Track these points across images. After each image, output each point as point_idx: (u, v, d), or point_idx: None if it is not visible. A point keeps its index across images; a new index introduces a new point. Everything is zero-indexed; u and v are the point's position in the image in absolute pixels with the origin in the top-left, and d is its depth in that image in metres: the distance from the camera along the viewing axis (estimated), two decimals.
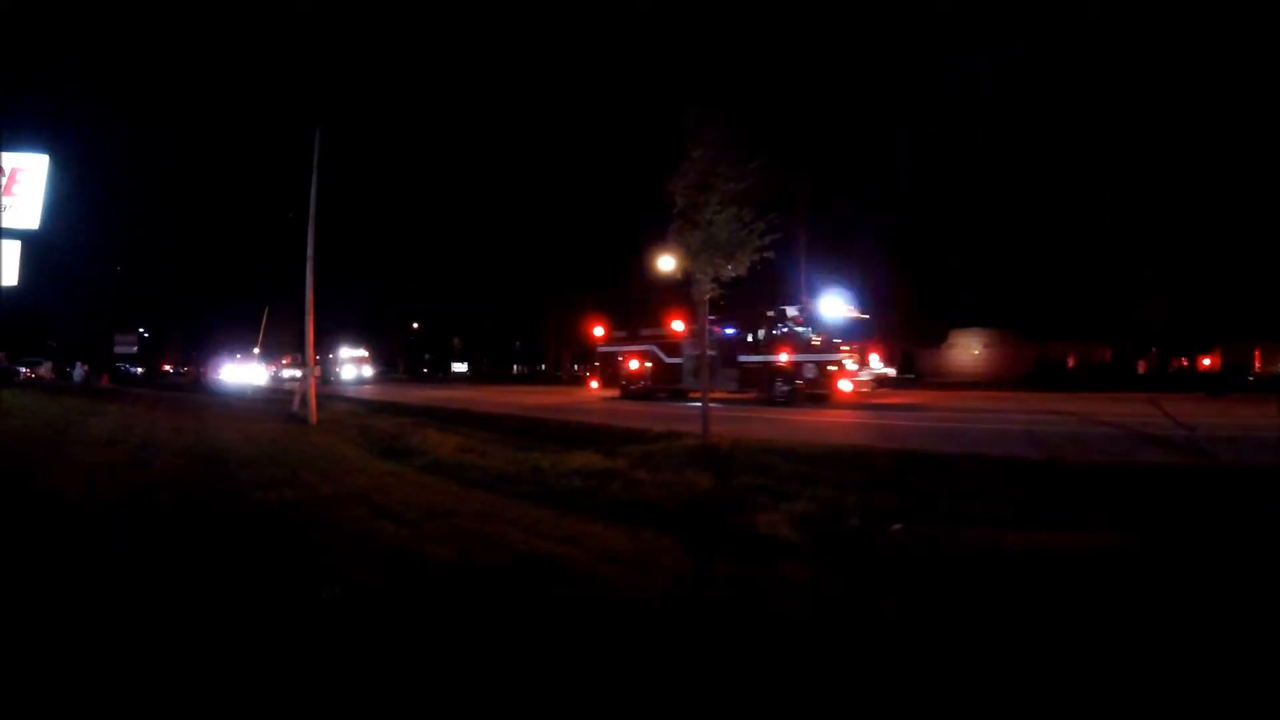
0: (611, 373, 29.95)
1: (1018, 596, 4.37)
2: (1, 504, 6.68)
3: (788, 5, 55.45)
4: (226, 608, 4.11)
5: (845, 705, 3.07)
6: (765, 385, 23.37)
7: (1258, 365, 39.60)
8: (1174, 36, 34.66)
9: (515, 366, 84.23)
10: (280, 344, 49.58)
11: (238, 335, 65.40)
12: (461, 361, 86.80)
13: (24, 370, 41.75)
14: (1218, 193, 30.64)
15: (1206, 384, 27.44)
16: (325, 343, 57.99)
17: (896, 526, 6.01)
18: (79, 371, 46.05)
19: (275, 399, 29.26)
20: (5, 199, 13.52)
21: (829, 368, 21.90)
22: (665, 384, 27.19)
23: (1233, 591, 4.33)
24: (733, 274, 10.99)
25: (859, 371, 22.29)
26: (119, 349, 50.15)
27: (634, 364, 28.68)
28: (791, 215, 35.31)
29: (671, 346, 27.11)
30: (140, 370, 74.01)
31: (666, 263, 12.40)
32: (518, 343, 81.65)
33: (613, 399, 27.75)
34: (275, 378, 53.27)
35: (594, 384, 31.60)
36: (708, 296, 11.27)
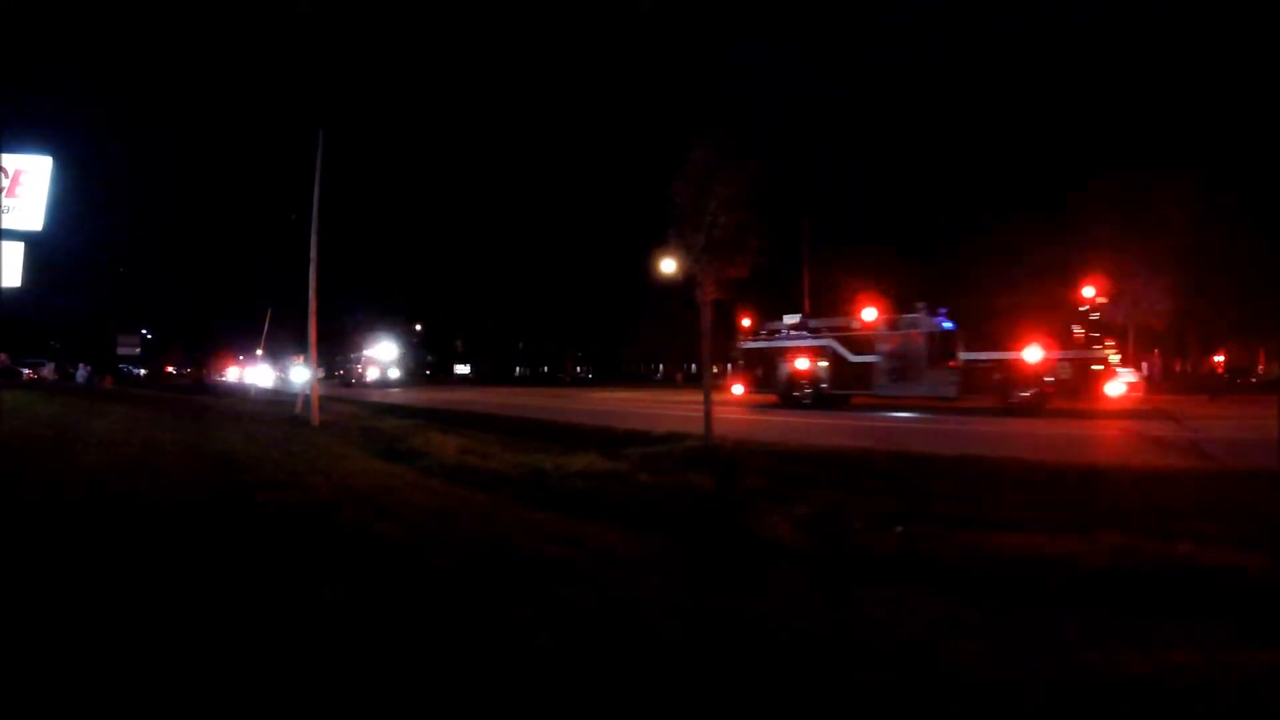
0: (766, 375, 23.81)
1: (1016, 599, 4.36)
2: (3, 506, 6.68)
3: (789, 5, 55.55)
4: (228, 607, 4.11)
5: (839, 708, 3.07)
6: (999, 389, 18.54)
7: (1260, 367, 39.57)
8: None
9: (517, 369, 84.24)
10: (285, 346, 49.39)
11: (241, 337, 65.46)
12: (464, 364, 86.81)
13: (26, 371, 41.76)
14: (1214, 193, 30.46)
15: (1209, 386, 27.42)
16: (350, 343, 57.20)
17: (898, 529, 6.01)
18: (82, 373, 46.09)
19: (279, 400, 29.27)
20: (8, 200, 13.54)
21: (1092, 366, 17.39)
22: (848, 389, 21.77)
23: (1236, 596, 4.32)
24: (735, 275, 11.00)
25: (1121, 371, 18.17)
26: (122, 350, 50.24)
27: (802, 363, 22.67)
28: (795, 216, 35.46)
29: (858, 341, 21.48)
30: (143, 372, 74.05)
31: (669, 265, 12.41)
32: (520, 344, 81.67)
33: (770, 408, 22.03)
34: (282, 379, 52.83)
35: (737, 388, 24.83)
36: (711, 298, 11.28)
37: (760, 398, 23.72)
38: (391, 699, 3.06)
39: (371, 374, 52.84)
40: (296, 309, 22.06)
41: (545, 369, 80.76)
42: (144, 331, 65.72)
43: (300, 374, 24.32)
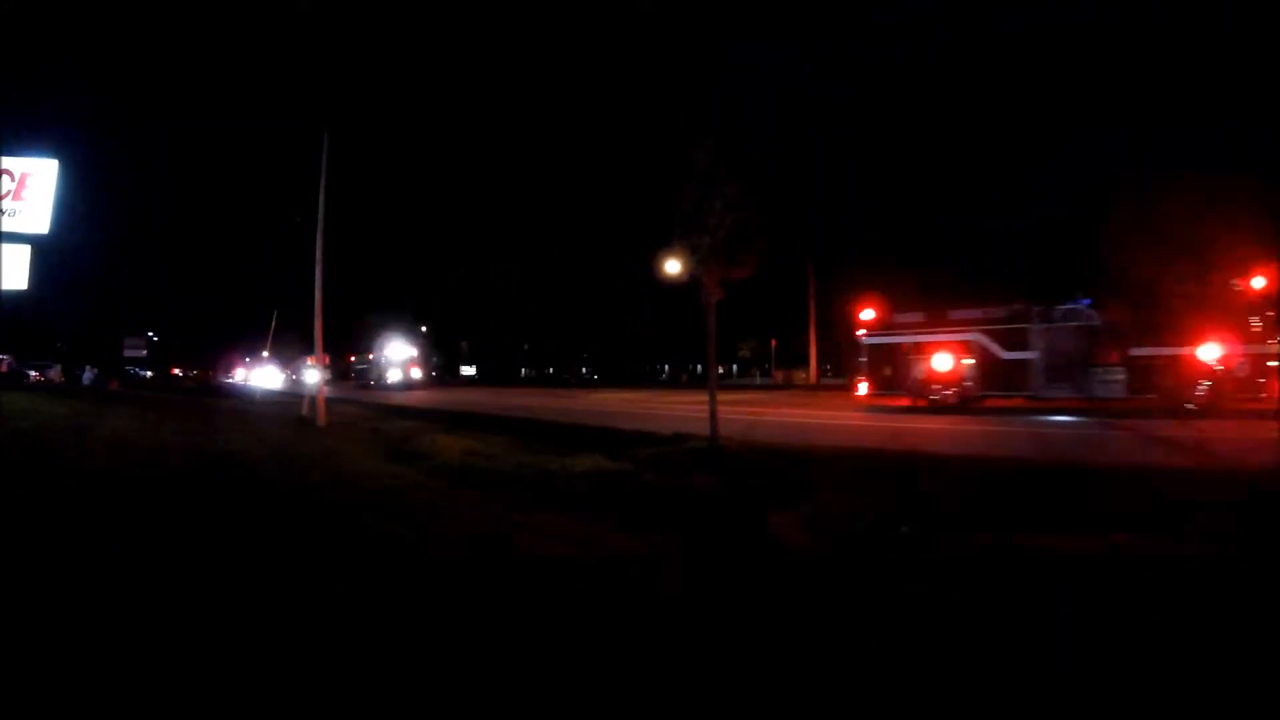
0: (896, 374, 20.89)
1: (1020, 600, 4.34)
2: (11, 506, 6.70)
3: (789, 5, 55.49)
4: (233, 609, 4.11)
5: (842, 710, 3.06)
6: (1170, 389, 16.26)
7: None
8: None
9: (522, 370, 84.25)
10: (294, 348, 48.60)
11: (247, 338, 65.54)
12: (469, 365, 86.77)
13: (33, 374, 41.96)
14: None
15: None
16: (368, 344, 55.38)
17: (904, 530, 5.99)
18: (88, 375, 46.32)
19: (285, 402, 29.31)
20: (15, 204, 13.63)
21: (1268, 363, 15.34)
22: (997, 389, 18.99)
23: (1239, 595, 4.29)
24: (739, 276, 10.99)
25: None
26: (128, 352, 50.38)
27: (943, 361, 19.71)
28: (800, 215, 35.44)
29: (1011, 335, 18.80)
30: (150, 374, 74.37)
31: (673, 266, 12.39)
32: (525, 345, 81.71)
33: (901, 412, 19.25)
34: (293, 380, 52.12)
35: (861, 389, 21.69)
36: (715, 300, 11.27)
37: (891, 398, 20.87)
38: (390, 695, 3.06)
39: (392, 375, 49.77)
40: (305, 310, 22.03)
41: (550, 370, 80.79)
42: (150, 333, 65.94)
43: (312, 375, 24.19)
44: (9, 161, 13.69)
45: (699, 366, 61.80)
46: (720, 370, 43.43)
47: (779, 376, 51.27)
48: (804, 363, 46.26)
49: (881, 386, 21.17)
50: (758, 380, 53.66)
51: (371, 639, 3.73)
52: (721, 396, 12.37)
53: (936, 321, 20.48)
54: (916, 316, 21.08)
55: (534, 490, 8.57)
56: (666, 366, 72.23)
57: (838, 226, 46.30)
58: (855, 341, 22.23)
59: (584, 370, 76.47)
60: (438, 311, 75.51)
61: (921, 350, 20.23)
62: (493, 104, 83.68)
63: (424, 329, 79.36)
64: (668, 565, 5.33)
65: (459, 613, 4.18)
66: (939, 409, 19.03)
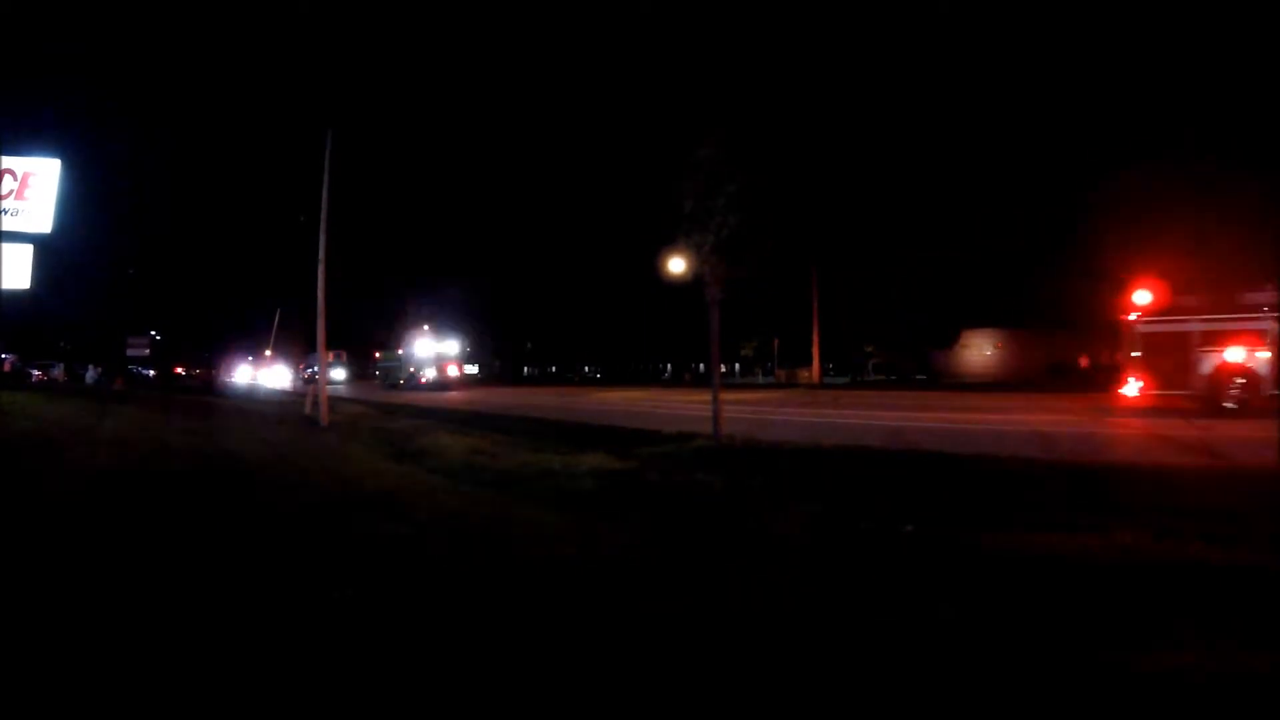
0: (1178, 370, 16.60)
1: (1024, 600, 4.30)
2: (10, 507, 6.68)
3: (795, 5, 55.30)
4: (236, 610, 4.08)
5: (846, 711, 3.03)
6: None
7: None
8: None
9: (525, 368, 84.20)
10: (300, 345, 47.12)
11: (251, 337, 65.59)
12: (471, 364, 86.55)
13: (36, 373, 42.03)
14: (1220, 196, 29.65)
15: None
16: (396, 340, 51.79)
17: (908, 529, 5.96)
18: (91, 374, 46.38)
19: (288, 401, 29.31)
20: (18, 203, 13.65)
21: None
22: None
23: (1243, 595, 4.26)
24: (743, 275, 10.98)
25: None
26: (131, 352, 50.39)
27: (1236, 355, 15.91)
28: (801, 214, 35.38)
29: None
30: (153, 373, 74.43)
31: (677, 264, 12.38)
32: (529, 344, 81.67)
33: (1194, 417, 14.90)
34: (303, 378, 51.04)
35: (1130, 387, 17.15)
36: (718, 298, 11.25)
37: (1175, 400, 16.87)
38: (394, 696, 3.04)
39: (428, 374, 43.31)
40: (314, 308, 21.83)
41: (553, 369, 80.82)
42: (153, 332, 65.90)
43: (339, 372, 23.86)
44: (11, 161, 13.72)
45: (701, 365, 61.76)
46: (722, 369, 43.10)
47: (781, 375, 51.25)
48: (806, 362, 46.22)
49: (1161, 385, 16.96)
50: (760, 379, 53.60)
51: (377, 638, 3.71)
52: (724, 396, 12.35)
53: (1223, 304, 16.57)
54: (1197, 298, 17.14)
55: (538, 489, 8.55)
56: (669, 365, 72.19)
57: (841, 224, 45.72)
58: (1125, 328, 17.72)
59: (587, 369, 76.51)
60: (441, 309, 75.65)
61: (1212, 340, 16.36)
62: (496, 102, 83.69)
63: (426, 326, 79.33)
64: (673, 567, 5.30)
65: (464, 612, 4.16)
66: (1241, 413, 14.93)
